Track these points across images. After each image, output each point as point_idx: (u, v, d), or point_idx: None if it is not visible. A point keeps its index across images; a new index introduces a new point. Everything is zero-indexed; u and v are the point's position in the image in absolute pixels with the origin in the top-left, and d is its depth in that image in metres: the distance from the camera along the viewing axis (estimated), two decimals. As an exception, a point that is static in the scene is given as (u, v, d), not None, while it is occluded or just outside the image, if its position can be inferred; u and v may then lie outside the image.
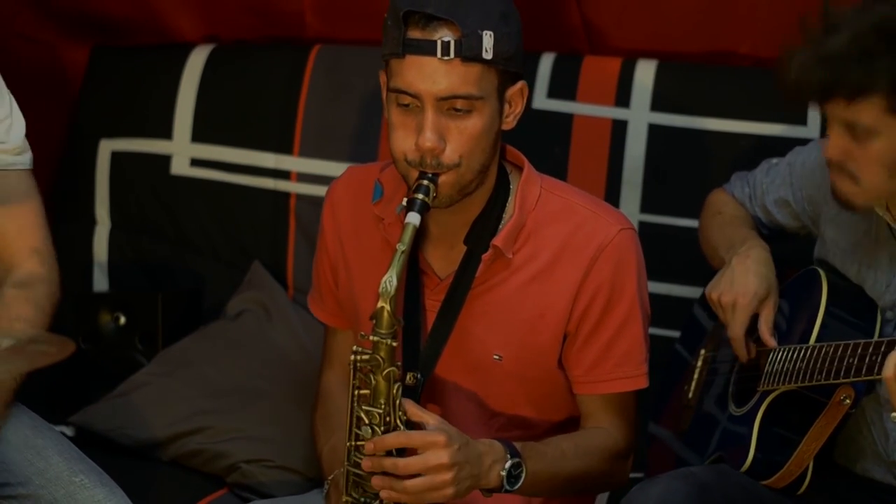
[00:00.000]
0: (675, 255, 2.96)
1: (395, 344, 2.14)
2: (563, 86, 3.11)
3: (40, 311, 2.33)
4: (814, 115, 2.94)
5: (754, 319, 2.38)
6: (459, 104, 2.15)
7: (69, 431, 2.93)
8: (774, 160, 2.59)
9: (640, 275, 2.32)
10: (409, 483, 2.10)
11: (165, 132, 3.38)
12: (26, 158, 2.39)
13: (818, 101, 2.16)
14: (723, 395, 2.48)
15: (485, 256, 2.27)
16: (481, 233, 2.29)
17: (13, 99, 2.39)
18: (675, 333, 2.78)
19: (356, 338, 2.33)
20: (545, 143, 3.08)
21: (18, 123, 2.38)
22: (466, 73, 2.13)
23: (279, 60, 3.34)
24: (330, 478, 2.35)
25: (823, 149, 2.21)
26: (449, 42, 2.12)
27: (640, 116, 3.06)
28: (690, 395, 2.59)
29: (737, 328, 2.36)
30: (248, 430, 2.83)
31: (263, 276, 3.24)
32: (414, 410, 2.15)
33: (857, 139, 2.14)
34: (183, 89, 3.37)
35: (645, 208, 3.04)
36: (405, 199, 2.18)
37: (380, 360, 2.14)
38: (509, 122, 2.25)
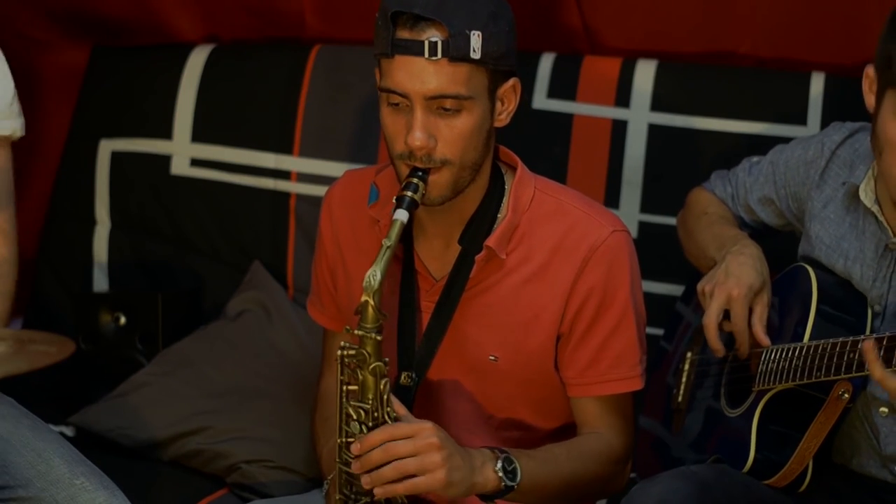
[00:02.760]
0: (674, 255, 2.95)
1: (379, 338, 2.13)
2: (563, 86, 3.11)
3: (7, 298, 2.32)
4: (813, 115, 2.94)
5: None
6: (448, 104, 2.15)
7: (69, 432, 2.93)
8: (755, 158, 2.59)
9: (633, 277, 2.32)
10: (401, 463, 2.09)
11: (165, 132, 3.38)
12: (10, 125, 2.35)
13: None
14: (715, 396, 2.48)
15: (478, 257, 2.27)
16: (475, 233, 2.29)
17: (5, 62, 2.35)
18: (674, 334, 2.79)
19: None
20: (545, 143, 3.08)
21: (4, 86, 2.34)
22: (454, 73, 2.14)
23: (279, 60, 3.34)
24: (329, 478, 2.35)
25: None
26: (436, 42, 2.12)
27: (639, 116, 3.06)
28: (680, 398, 2.59)
29: (739, 322, 2.34)
30: (249, 431, 2.83)
31: (263, 276, 3.24)
32: (400, 409, 2.15)
33: None
34: (183, 89, 3.37)
35: (645, 208, 3.04)
36: (395, 197, 2.19)
37: (366, 354, 2.13)
38: (502, 120, 2.25)
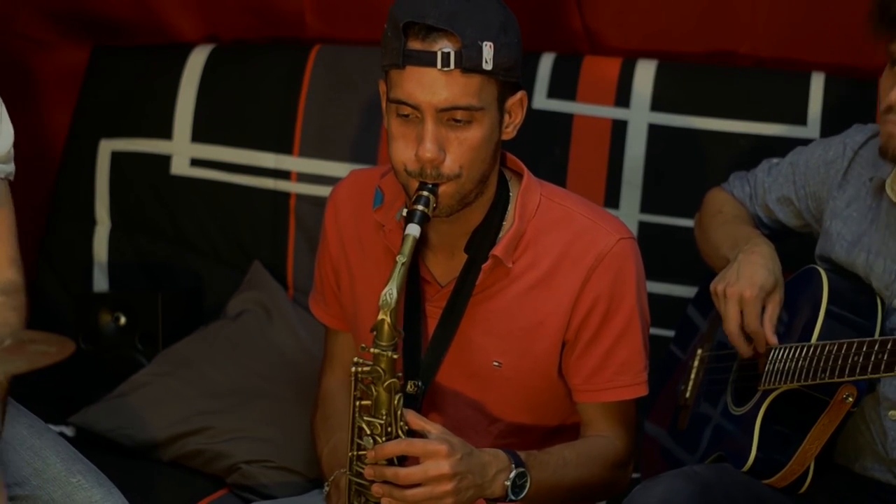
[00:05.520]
0: (674, 255, 2.96)
1: (395, 356, 2.14)
2: (563, 86, 3.11)
3: (21, 319, 2.33)
4: (813, 115, 2.94)
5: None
6: (459, 115, 2.15)
7: (69, 431, 2.93)
8: (775, 160, 2.59)
9: (639, 284, 2.32)
10: (409, 493, 2.11)
11: (165, 132, 3.38)
12: (10, 168, 2.38)
13: None
14: (721, 394, 2.48)
15: (484, 266, 2.27)
16: (482, 241, 2.29)
17: (3, 108, 2.37)
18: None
19: (357, 341, 2.33)
20: (545, 143, 3.08)
21: (7, 132, 2.36)
22: (466, 84, 2.13)
23: (279, 60, 3.34)
24: (330, 479, 2.35)
25: (892, 96, 2.20)
26: (449, 53, 2.12)
27: (640, 116, 3.05)
28: (688, 394, 2.59)
29: (752, 322, 2.34)
30: (249, 431, 2.83)
31: (263, 276, 3.24)
32: (416, 421, 2.15)
33: None
34: (183, 89, 3.37)
35: (645, 208, 3.04)
36: (405, 210, 2.18)
37: (381, 371, 2.14)
38: (509, 133, 2.25)
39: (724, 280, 2.38)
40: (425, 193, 2.16)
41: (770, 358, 2.32)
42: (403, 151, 2.18)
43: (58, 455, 2.27)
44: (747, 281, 2.35)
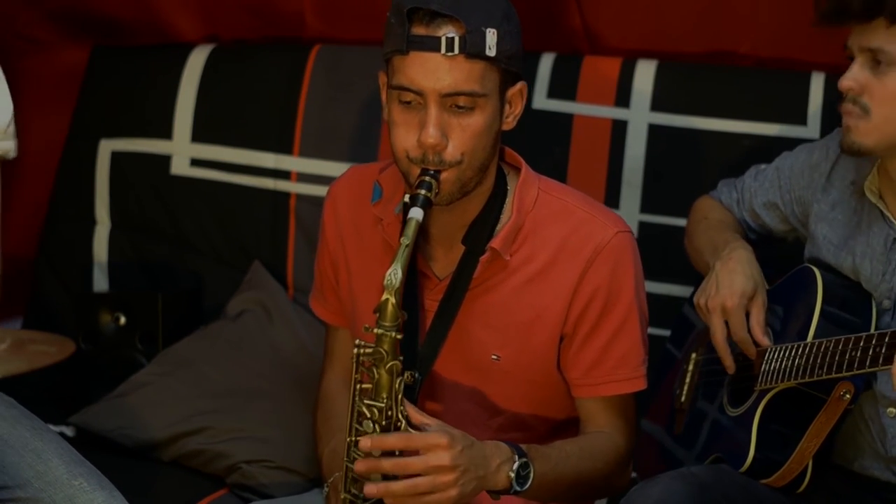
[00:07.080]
0: (674, 255, 2.95)
1: (399, 336, 2.13)
2: (563, 86, 3.11)
3: None
4: (814, 115, 2.94)
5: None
6: (462, 101, 2.15)
7: (69, 432, 2.93)
8: (762, 166, 2.60)
9: (637, 277, 2.32)
10: (412, 482, 2.09)
11: (165, 132, 3.38)
12: (6, 146, 2.35)
13: (859, 19, 2.17)
14: (717, 396, 2.48)
15: (482, 258, 2.27)
16: (479, 234, 2.29)
17: (3, 81, 2.34)
18: (675, 334, 2.79)
19: (355, 337, 2.33)
20: (545, 143, 3.08)
21: (4, 109, 2.33)
22: (470, 70, 2.14)
23: (279, 60, 3.35)
24: (329, 481, 2.35)
25: (841, 83, 2.22)
26: (453, 38, 2.13)
27: (639, 116, 3.06)
28: (683, 398, 2.59)
29: (739, 331, 2.35)
30: (249, 431, 2.83)
31: (263, 276, 3.24)
32: (415, 415, 2.14)
33: (877, 72, 2.18)
34: (183, 89, 3.37)
35: (645, 208, 3.04)
36: (407, 196, 2.19)
37: (383, 353, 2.13)
38: (509, 123, 2.26)
39: (705, 293, 2.39)
40: (428, 178, 2.16)
41: (766, 358, 2.32)
42: (405, 138, 2.18)
43: (60, 458, 2.27)
44: (727, 291, 2.36)
